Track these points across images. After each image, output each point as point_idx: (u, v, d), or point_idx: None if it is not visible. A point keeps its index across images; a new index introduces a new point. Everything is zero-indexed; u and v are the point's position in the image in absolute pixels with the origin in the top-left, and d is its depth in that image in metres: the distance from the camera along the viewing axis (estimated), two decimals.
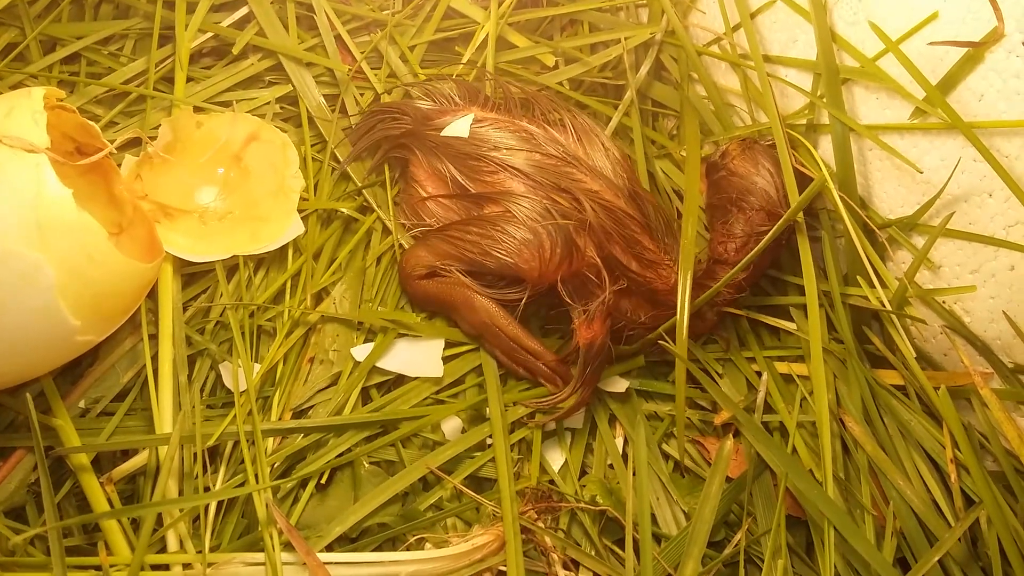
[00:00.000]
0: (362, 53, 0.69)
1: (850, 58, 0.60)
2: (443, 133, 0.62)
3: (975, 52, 0.53)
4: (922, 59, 0.56)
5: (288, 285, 0.60)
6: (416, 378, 0.58)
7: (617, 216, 0.58)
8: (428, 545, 0.50)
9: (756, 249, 0.58)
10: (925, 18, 0.55)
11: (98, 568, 0.46)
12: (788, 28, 0.65)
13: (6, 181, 0.47)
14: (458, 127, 0.61)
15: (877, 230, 0.58)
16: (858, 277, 0.60)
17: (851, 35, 0.60)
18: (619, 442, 0.59)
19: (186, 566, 0.47)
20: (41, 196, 0.47)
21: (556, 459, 0.58)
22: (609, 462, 0.58)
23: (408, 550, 0.50)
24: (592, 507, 0.54)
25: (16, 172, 0.47)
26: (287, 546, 0.48)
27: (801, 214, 0.58)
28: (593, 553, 0.53)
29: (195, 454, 0.52)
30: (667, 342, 0.57)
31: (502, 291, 0.58)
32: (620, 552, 0.54)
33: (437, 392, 0.58)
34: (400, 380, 0.58)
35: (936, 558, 0.50)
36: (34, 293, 0.47)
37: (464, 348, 0.60)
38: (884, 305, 0.58)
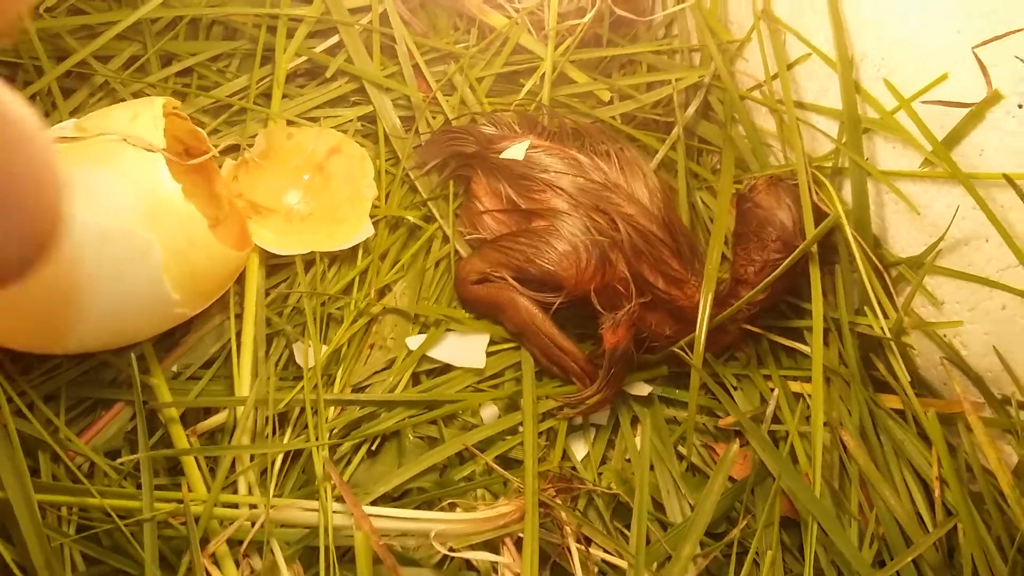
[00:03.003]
0: (437, 82, 0.77)
1: (872, 110, 0.67)
2: (502, 156, 0.70)
3: (978, 110, 0.59)
4: (935, 114, 0.62)
5: (356, 280, 0.68)
6: (461, 368, 0.66)
7: (648, 238, 0.66)
8: (458, 509, 0.58)
9: (776, 272, 0.64)
10: (936, 79, 0.61)
11: (180, 502, 0.55)
12: (821, 79, 0.71)
13: (128, 174, 0.57)
14: (515, 151, 0.69)
15: (880, 265, 0.64)
16: (865, 308, 0.66)
17: (874, 89, 0.66)
18: (638, 440, 0.66)
19: (252, 507, 0.56)
20: (156, 188, 0.57)
21: (580, 450, 0.65)
22: (627, 457, 0.65)
23: (441, 511, 0.57)
24: (606, 491, 0.61)
25: (137, 167, 0.57)
26: (338, 499, 0.56)
27: (815, 246, 0.65)
28: (604, 532, 0.60)
29: (267, 417, 0.60)
30: (685, 352, 0.63)
31: (542, 295, 0.65)
32: (628, 533, 0.60)
33: (478, 382, 0.65)
34: (447, 368, 0.66)
35: (910, 558, 0.56)
36: (144, 267, 0.56)
37: (506, 346, 0.67)
38: (885, 333, 0.64)
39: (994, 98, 0.57)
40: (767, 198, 0.68)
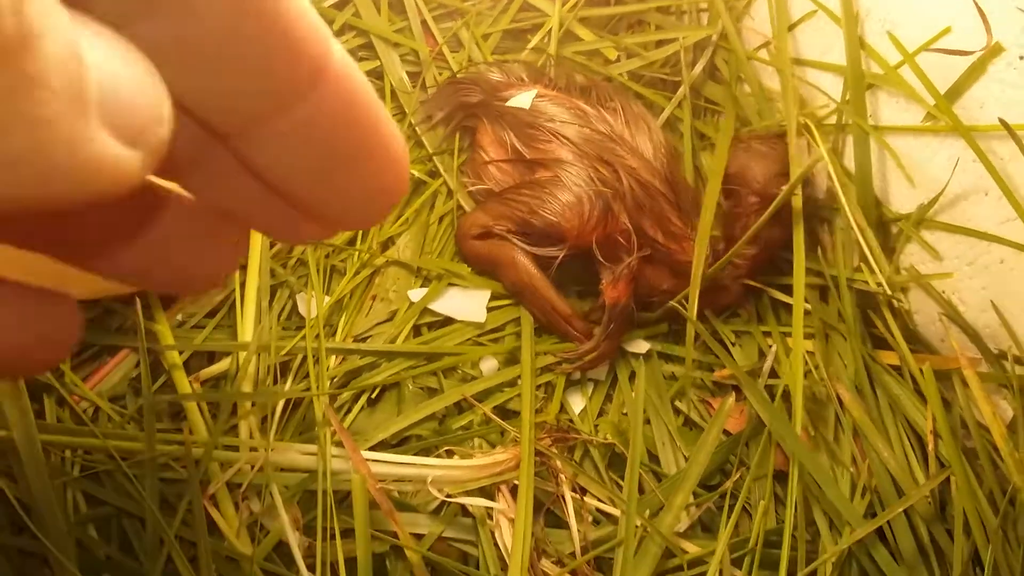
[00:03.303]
0: (443, 38, 0.77)
1: (876, 65, 0.66)
2: (508, 104, 0.70)
3: (979, 64, 0.58)
4: (938, 69, 0.62)
5: (360, 232, 0.69)
6: (461, 321, 0.66)
7: (651, 192, 0.66)
8: (456, 457, 0.59)
9: (759, 222, 0.63)
10: (939, 32, 0.61)
11: (181, 443, 0.56)
12: (827, 36, 0.71)
13: None
14: (522, 99, 0.69)
15: (858, 220, 0.64)
16: (861, 264, 0.66)
17: (878, 45, 0.66)
18: (636, 397, 0.66)
19: (252, 449, 0.57)
20: None
21: (577, 404, 0.66)
22: (624, 411, 0.66)
23: (438, 458, 0.58)
24: (602, 442, 0.61)
25: None
26: (337, 444, 0.57)
27: (801, 194, 0.64)
28: (599, 480, 0.60)
29: (269, 366, 0.61)
30: (682, 307, 0.64)
31: (545, 248, 0.66)
32: (623, 483, 0.61)
33: (479, 335, 0.66)
34: (448, 321, 0.67)
35: (901, 508, 0.56)
36: None
37: (506, 302, 0.68)
38: (885, 289, 0.64)
39: (995, 50, 0.57)
40: (742, 155, 0.68)
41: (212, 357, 0.63)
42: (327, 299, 0.65)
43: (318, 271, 0.66)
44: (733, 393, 0.63)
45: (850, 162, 0.68)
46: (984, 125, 0.58)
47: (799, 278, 0.62)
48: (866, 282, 0.65)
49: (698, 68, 0.78)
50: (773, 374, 0.65)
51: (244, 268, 0.66)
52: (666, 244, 0.66)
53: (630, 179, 0.65)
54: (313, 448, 0.57)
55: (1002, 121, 0.55)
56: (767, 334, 0.69)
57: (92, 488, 0.56)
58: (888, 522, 0.57)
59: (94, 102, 0.19)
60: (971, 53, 0.58)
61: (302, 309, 0.65)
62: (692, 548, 0.57)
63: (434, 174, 0.73)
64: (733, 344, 0.68)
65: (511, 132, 0.69)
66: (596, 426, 0.64)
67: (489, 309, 0.67)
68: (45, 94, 0.18)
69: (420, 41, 0.77)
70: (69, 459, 0.57)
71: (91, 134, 0.19)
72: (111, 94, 0.20)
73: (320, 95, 0.22)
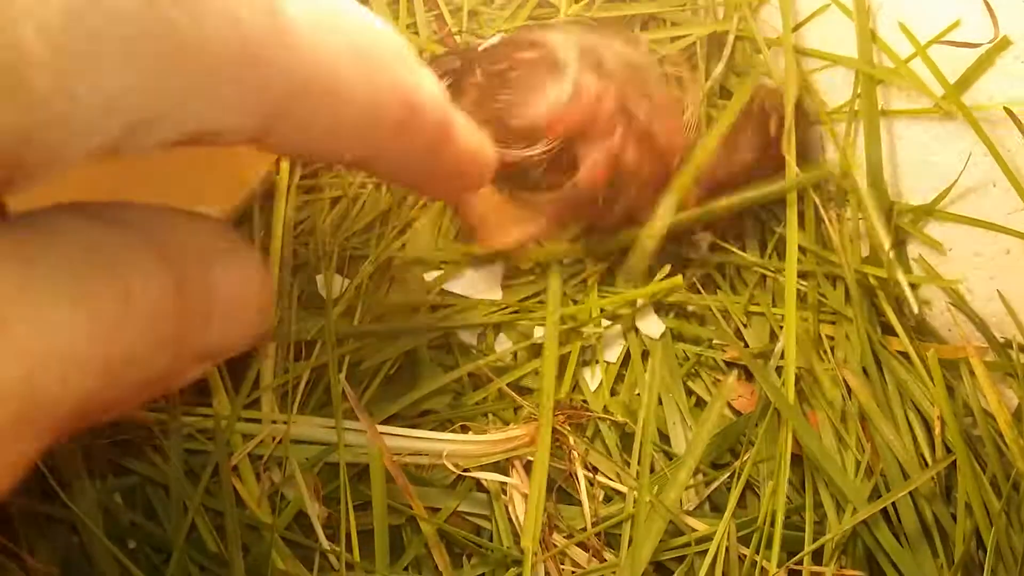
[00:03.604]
0: (458, 31, 0.79)
1: (887, 59, 0.68)
2: (480, 49, 0.66)
3: (987, 57, 0.60)
4: (947, 62, 0.63)
5: (379, 214, 0.71)
6: (477, 300, 0.68)
7: (634, 64, 0.62)
8: (471, 432, 0.60)
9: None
10: (948, 25, 0.62)
11: (208, 416, 0.58)
12: (837, 31, 0.72)
13: None
14: (492, 39, 0.68)
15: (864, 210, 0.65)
16: (869, 254, 0.67)
17: (889, 39, 0.67)
18: (647, 376, 0.67)
19: (274, 421, 0.58)
20: None
21: (591, 383, 0.67)
22: (637, 391, 0.67)
23: (453, 433, 0.60)
24: (614, 421, 0.63)
25: None
26: (353, 418, 0.59)
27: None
28: (609, 458, 0.62)
29: (288, 345, 0.63)
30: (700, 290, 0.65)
31: (528, 151, 0.60)
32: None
33: (493, 311, 0.67)
34: (464, 302, 0.68)
35: (907, 490, 0.57)
36: None
37: (522, 279, 0.69)
38: (889, 279, 0.65)
39: (1003, 43, 0.58)
40: None
41: None
42: (346, 281, 0.67)
43: (338, 253, 0.68)
44: (736, 371, 0.65)
45: (860, 154, 0.69)
46: (987, 104, 0.60)
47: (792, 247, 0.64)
48: (874, 271, 0.66)
49: (718, 70, 0.79)
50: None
51: (266, 251, 0.67)
52: (649, 121, 0.61)
53: (611, 54, 0.61)
54: (332, 422, 0.58)
55: (1007, 109, 0.56)
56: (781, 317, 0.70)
57: (119, 457, 0.58)
58: (893, 503, 0.58)
59: (201, 351, 0.20)
60: (976, 45, 0.59)
61: (322, 290, 0.67)
62: (700, 526, 0.59)
63: None
64: (745, 326, 0.69)
65: (490, 62, 0.63)
66: (605, 407, 0.65)
67: (504, 286, 0.69)
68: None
69: (426, 36, 0.79)
70: (96, 429, 0.58)
71: (183, 372, 0.20)
72: (222, 337, 0.20)
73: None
